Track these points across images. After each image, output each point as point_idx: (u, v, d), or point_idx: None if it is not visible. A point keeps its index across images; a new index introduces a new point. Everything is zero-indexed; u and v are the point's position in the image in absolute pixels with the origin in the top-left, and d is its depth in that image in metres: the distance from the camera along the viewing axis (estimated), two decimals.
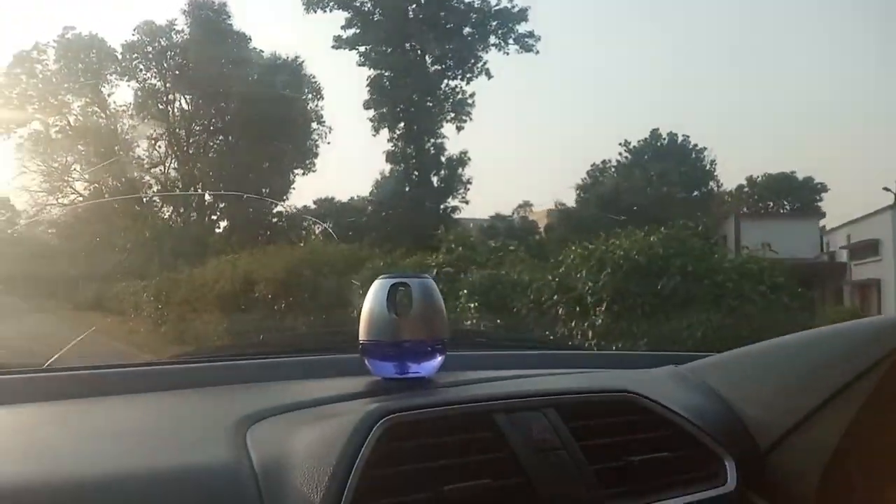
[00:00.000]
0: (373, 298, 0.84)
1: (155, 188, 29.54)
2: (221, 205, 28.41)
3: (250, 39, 26.72)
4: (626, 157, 29.68)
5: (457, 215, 24.97)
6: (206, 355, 1.27)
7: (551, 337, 5.73)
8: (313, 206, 28.17)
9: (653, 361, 1.17)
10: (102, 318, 14.95)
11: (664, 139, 29.81)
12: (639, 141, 29.76)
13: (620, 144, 29.87)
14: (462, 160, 26.23)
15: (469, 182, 26.53)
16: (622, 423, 0.81)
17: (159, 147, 29.32)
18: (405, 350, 0.84)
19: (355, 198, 28.57)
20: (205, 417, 0.83)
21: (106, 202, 28.44)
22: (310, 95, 27.40)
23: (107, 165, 28.49)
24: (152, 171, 29.42)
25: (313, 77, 27.31)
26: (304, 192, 37.89)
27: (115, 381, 0.97)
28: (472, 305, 6.92)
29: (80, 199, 30.00)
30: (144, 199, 28.80)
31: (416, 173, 26.15)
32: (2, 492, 0.56)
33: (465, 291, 7.13)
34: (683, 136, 29.49)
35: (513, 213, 30.02)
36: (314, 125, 27.76)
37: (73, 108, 28.92)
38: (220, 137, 28.22)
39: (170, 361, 1.19)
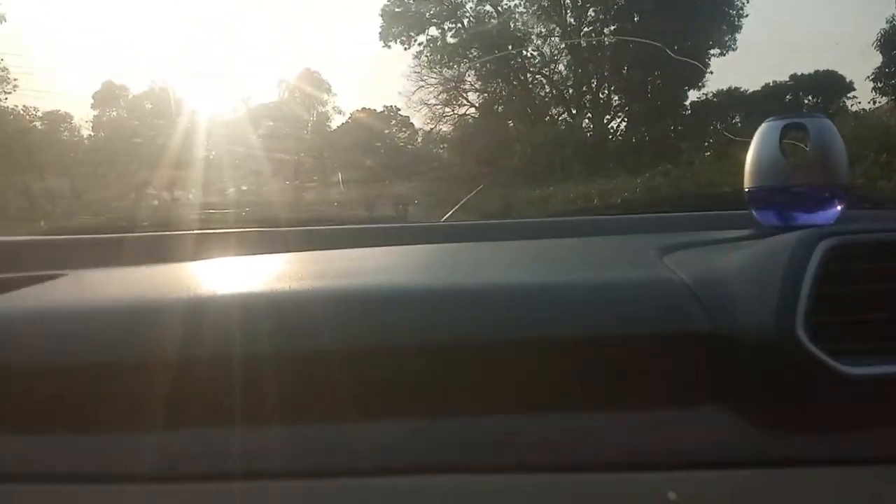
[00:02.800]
0: (760, 141, 0.79)
1: (546, 89, 27.30)
2: (616, 100, 24.81)
3: None
4: None
5: None
6: (601, 211, 1.35)
7: None
8: (713, 99, 22.85)
9: None
10: None
11: None
12: None
13: None
14: None
15: None
16: None
17: (551, 43, 26.74)
18: (798, 196, 0.77)
19: (772, 83, 22.44)
20: (619, 251, 0.83)
21: (496, 112, 26.95)
22: None
23: (499, 68, 26.94)
24: (543, 70, 27.05)
25: None
26: (723, 77, 32.17)
27: (515, 229, 1.04)
28: None
29: (473, 109, 29.61)
30: (536, 101, 26.75)
31: None
32: (449, 293, 0.59)
33: None
34: None
35: None
36: None
37: (467, 8, 27.77)
38: (617, 24, 24.21)
39: (573, 213, 1.31)
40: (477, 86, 29.17)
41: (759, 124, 0.82)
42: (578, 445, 0.51)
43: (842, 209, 0.77)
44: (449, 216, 1.11)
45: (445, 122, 30.63)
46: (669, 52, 20.81)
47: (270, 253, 0.84)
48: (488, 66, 27.23)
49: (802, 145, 0.73)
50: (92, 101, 39.28)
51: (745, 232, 0.78)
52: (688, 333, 0.54)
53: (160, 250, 0.89)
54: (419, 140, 40.80)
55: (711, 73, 23.07)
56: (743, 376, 0.53)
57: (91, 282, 0.74)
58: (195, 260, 0.81)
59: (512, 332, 0.54)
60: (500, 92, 28.16)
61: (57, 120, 38.64)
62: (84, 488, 0.49)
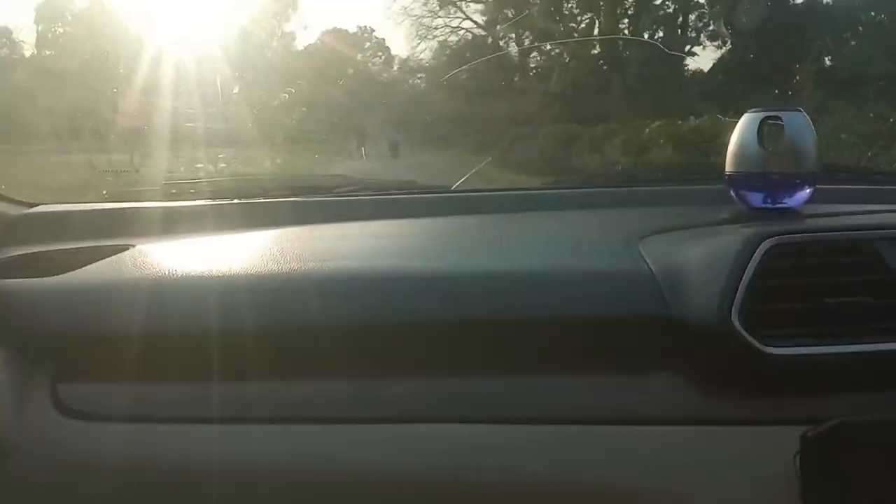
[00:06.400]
0: (741, 131, 0.88)
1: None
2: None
3: None
4: None
5: None
6: (589, 182, 1.45)
7: None
8: None
9: None
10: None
11: None
12: None
13: None
14: None
15: None
16: None
17: None
18: (772, 181, 0.87)
19: None
20: (601, 233, 0.94)
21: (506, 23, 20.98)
22: None
23: None
24: None
25: None
26: None
27: (513, 201, 1.16)
28: None
29: (473, 25, 23.51)
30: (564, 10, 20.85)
31: None
32: (444, 278, 0.74)
33: None
34: None
35: None
36: None
37: None
38: None
39: (557, 186, 1.34)
40: None
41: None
42: (556, 404, 0.67)
43: (810, 193, 0.86)
44: (460, 184, 1.28)
45: (433, 39, 24.36)
46: None
47: (297, 224, 1.00)
48: None
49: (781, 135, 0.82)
50: (34, 15, 33.22)
51: (720, 216, 0.88)
52: (648, 318, 0.69)
53: (207, 219, 1.03)
54: (395, 68, 34.43)
55: None
56: (689, 354, 0.67)
57: (158, 254, 0.87)
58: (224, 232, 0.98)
59: (502, 312, 0.70)
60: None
61: None
62: (164, 428, 0.67)
